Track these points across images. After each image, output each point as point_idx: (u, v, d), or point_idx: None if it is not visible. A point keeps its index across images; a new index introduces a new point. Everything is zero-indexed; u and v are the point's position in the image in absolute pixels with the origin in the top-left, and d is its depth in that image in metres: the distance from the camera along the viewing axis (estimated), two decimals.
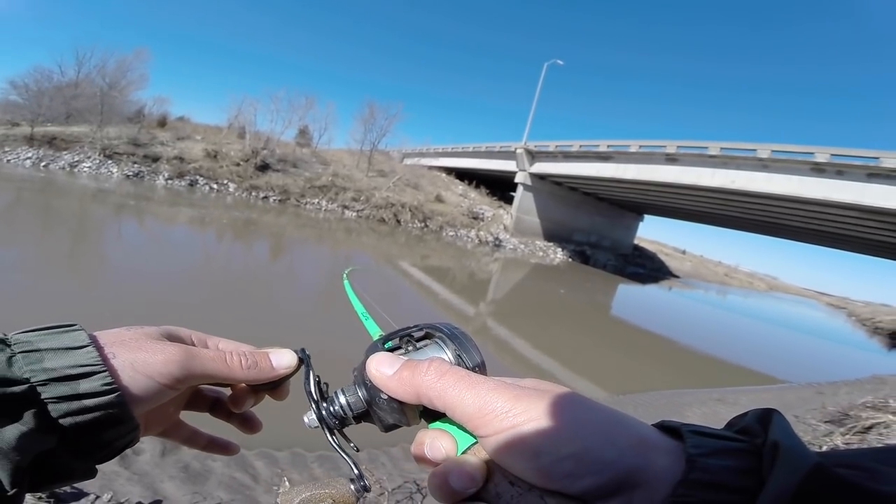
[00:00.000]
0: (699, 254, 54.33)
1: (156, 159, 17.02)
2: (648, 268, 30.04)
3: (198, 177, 17.09)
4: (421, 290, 9.27)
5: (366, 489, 0.33)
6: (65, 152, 15.99)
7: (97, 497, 1.85)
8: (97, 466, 0.34)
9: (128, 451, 2.24)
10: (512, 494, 0.27)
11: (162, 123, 21.69)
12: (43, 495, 1.50)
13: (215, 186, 17.11)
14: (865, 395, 5.65)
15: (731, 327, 15.78)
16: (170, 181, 16.37)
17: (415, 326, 0.37)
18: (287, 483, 0.35)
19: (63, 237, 7.56)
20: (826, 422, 4.07)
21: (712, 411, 5.13)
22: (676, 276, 31.73)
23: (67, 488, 1.66)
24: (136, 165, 16.35)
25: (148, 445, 2.48)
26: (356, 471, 0.34)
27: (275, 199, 17.59)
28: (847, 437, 3.53)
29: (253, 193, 17.45)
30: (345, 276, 0.61)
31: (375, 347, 0.36)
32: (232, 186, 17.39)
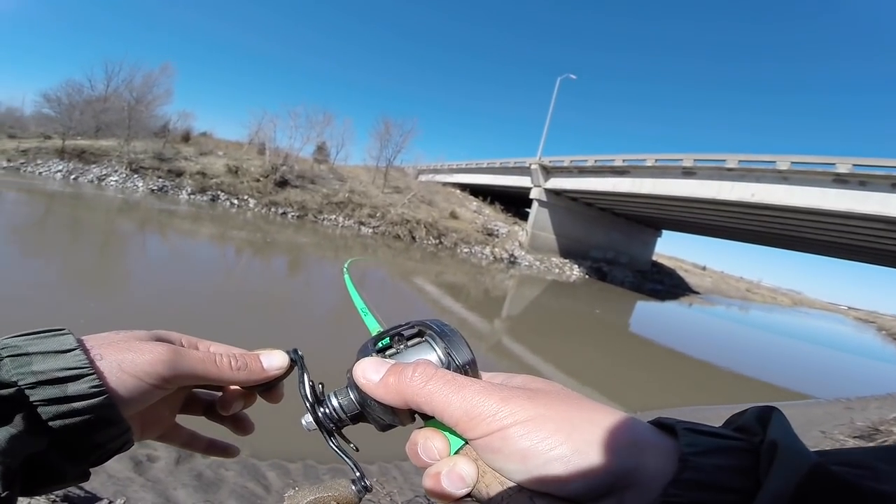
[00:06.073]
0: (720, 269, 53.25)
1: (179, 174, 17.54)
2: (667, 284, 29.49)
3: (219, 192, 17.52)
4: (436, 307, 9.25)
5: (367, 489, 0.34)
6: (93, 166, 16.61)
7: (110, 502, 1.87)
8: (91, 469, 0.34)
9: (143, 458, 2.24)
10: (502, 495, 0.27)
11: (186, 138, 22.32)
12: (57, 497, 1.52)
13: (236, 202, 17.50)
14: None
15: (754, 343, 15.36)
16: (192, 196, 16.82)
17: (406, 324, 0.37)
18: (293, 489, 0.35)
19: (89, 251, 7.80)
20: (855, 437, 3.90)
21: None
22: (696, 293, 31.10)
23: (80, 492, 1.68)
24: (160, 180, 16.86)
25: (163, 453, 2.50)
26: (357, 472, 0.34)
27: (293, 215, 17.89)
28: None
29: (272, 209, 17.79)
30: (345, 268, 0.59)
31: (366, 348, 0.36)
32: (252, 202, 17.76)
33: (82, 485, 1.75)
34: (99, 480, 2.06)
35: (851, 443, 3.64)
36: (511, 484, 0.27)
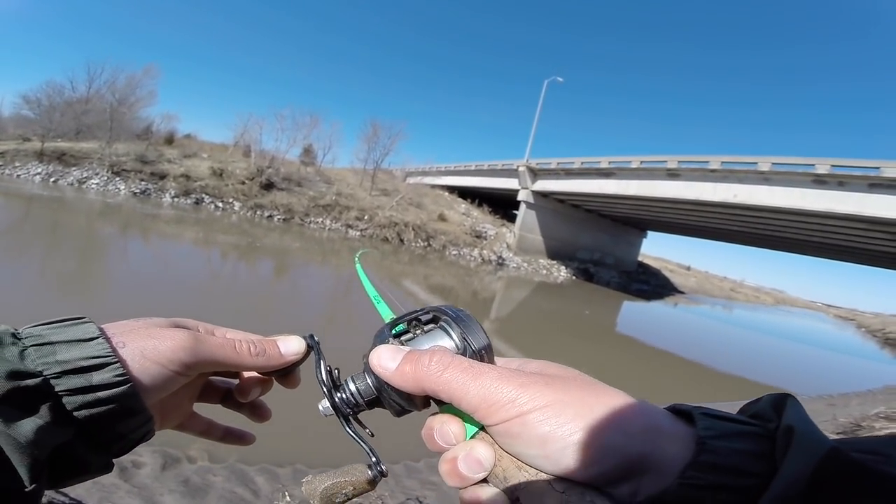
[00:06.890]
0: (704, 269, 54.09)
1: (163, 177, 17.22)
2: (653, 284, 29.86)
3: (204, 195, 17.24)
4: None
5: (382, 474, 0.34)
6: (74, 168, 16.24)
7: None
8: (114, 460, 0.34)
9: (128, 464, 2.19)
10: (520, 479, 0.27)
11: (169, 140, 21.95)
12: None
13: (221, 205, 17.24)
14: (878, 405, 5.57)
15: (739, 342, 15.61)
16: (176, 199, 16.52)
17: (422, 310, 0.37)
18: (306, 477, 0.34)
19: (69, 255, 7.61)
20: (838, 433, 4.00)
21: None
22: (681, 292, 31.52)
23: (65, 499, 1.64)
24: (143, 183, 16.54)
25: (149, 459, 2.45)
26: (373, 457, 0.34)
27: (279, 218, 17.68)
28: None
29: (258, 212, 17.56)
30: (357, 258, 0.61)
31: (383, 334, 0.36)
32: (237, 205, 17.52)
33: (66, 491, 1.70)
34: (83, 486, 2.01)
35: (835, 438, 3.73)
36: (528, 468, 0.27)
